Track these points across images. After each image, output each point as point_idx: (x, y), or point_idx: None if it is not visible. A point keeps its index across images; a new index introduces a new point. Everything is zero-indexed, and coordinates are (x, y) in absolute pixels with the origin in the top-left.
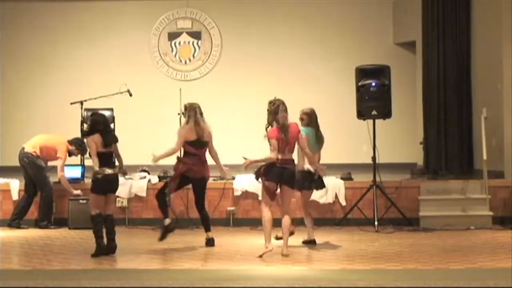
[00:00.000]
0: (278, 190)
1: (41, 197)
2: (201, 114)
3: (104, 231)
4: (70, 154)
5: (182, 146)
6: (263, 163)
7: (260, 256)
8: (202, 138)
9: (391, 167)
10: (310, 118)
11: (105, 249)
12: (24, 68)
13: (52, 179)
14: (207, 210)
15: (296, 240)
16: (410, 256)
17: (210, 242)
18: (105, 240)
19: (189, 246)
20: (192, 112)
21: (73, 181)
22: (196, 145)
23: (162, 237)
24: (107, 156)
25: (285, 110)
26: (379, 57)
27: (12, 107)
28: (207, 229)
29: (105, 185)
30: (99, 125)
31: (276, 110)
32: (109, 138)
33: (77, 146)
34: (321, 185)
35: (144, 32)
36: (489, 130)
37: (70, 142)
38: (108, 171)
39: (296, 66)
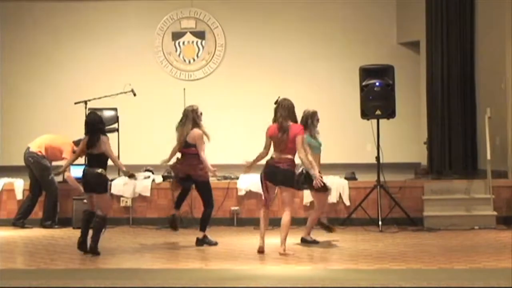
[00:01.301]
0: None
1: (46, 197)
2: (192, 117)
3: None
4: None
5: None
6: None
7: (259, 252)
8: (186, 140)
9: (395, 167)
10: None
11: (79, 246)
12: (28, 68)
13: (56, 179)
14: (209, 211)
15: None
16: (414, 256)
17: (197, 242)
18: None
19: (193, 245)
20: (184, 116)
21: (77, 180)
22: (183, 146)
23: (171, 226)
24: (90, 158)
25: (285, 109)
26: (383, 57)
27: (16, 107)
28: (200, 228)
29: (83, 184)
30: (86, 126)
31: (275, 109)
32: (90, 141)
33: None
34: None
35: (148, 31)
36: (493, 130)
37: (76, 142)
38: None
39: (300, 66)
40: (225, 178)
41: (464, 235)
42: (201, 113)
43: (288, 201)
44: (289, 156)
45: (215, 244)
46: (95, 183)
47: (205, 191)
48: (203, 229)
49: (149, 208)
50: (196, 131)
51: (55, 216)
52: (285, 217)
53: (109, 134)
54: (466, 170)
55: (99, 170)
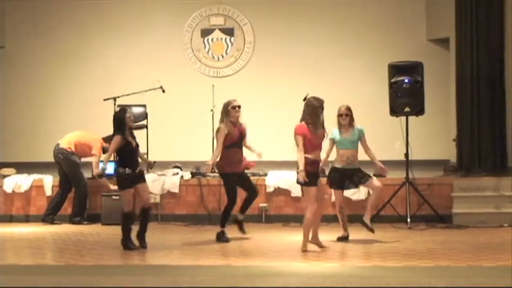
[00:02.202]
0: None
1: (75, 193)
2: (221, 113)
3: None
4: (105, 151)
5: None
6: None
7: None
8: None
9: (424, 164)
10: None
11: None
12: (57, 65)
13: (86, 175)
14: (226, 206)
15: (329, 236)
16: (442, 253)
17: (216, 238)
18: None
19: (221, 242)
20: None
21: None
22: None
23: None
24: None
25: (303, 108)
26: (412, 54)
27: (45, 104)
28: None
29: None
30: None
31: None
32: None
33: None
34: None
35: (177, 28)
36: None
37: (105, 139)
38: None
39: (329, 63)
40: (254, 174)
41: (493, 232)
42: (233, 107)
43: (305, 199)
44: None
45: (226, 241)
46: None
47: (223, 184)
48: (220, 224)
49: (178, 205)
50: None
51: (84, 213)
52: (306, 215)
53: (138, 131)
54: (495, 167)
55: (117, 167)
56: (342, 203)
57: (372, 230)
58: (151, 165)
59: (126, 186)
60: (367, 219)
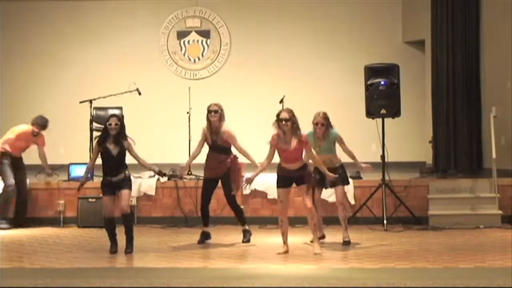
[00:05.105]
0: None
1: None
2: None
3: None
4: (36, 134)
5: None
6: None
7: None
8: None
9: (400, 166)
10: None
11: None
12: (33, 67)
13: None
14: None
15: (305, 239)
16: (419, 255)
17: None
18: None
19: (198, 244)
20: None
21: (78, 180)
22: None
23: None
24: None
25: None
26: (388, 56)
27: (21, 106)
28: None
29: None
30: None
31: None
32: None
33: (37, 124)
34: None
35: (153, 31)
36: (498, 129)
37: (33, 123)
38: None
39: (305, 65)
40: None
41: (469, 234)
42: (208, 111)
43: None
44: None
45: (206, 239)
46: None
47: None
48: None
49: (154, 207)
50: None
51: (7, 215)
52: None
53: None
54: (471, 169)
55: None
56: (316, 203)
57: (347, 243)
58: (161, 174)
59: (102, 191)
60: (345, 235)
